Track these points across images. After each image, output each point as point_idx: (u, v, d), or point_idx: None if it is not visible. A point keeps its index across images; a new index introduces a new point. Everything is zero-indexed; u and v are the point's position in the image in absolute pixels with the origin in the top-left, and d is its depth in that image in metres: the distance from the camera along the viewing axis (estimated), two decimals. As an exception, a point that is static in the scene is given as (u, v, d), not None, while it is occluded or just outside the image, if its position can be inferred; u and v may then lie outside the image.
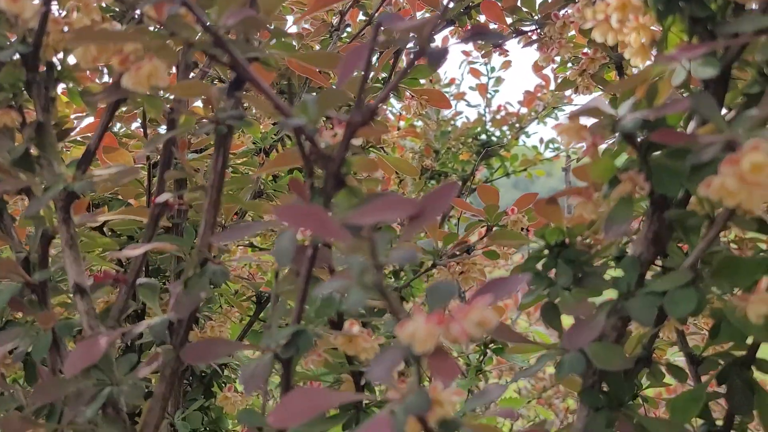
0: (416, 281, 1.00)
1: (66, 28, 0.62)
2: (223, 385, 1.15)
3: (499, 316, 1.28)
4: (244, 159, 1.25)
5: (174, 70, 0.74)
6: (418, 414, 0.38)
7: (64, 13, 0.64)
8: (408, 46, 0.48)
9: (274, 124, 1.36)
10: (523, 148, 2.80)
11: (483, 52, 1.38)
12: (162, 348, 0.63)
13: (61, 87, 0.67)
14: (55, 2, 0.62)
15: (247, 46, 0.60)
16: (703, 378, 0.66)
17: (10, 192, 0.69)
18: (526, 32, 1.16)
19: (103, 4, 0.76)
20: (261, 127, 1.38)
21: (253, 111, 1.25)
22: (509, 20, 1.16)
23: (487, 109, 2.71)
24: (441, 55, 0.45)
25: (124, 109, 0.99)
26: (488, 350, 1.37)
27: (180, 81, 0.72)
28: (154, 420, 0.63)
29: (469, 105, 2.86)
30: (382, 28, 0.46)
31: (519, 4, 1.14)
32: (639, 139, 0.52)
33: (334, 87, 0.50)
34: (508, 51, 1.37)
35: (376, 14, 1.30)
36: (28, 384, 0.76)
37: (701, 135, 0.47)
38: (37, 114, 0.63)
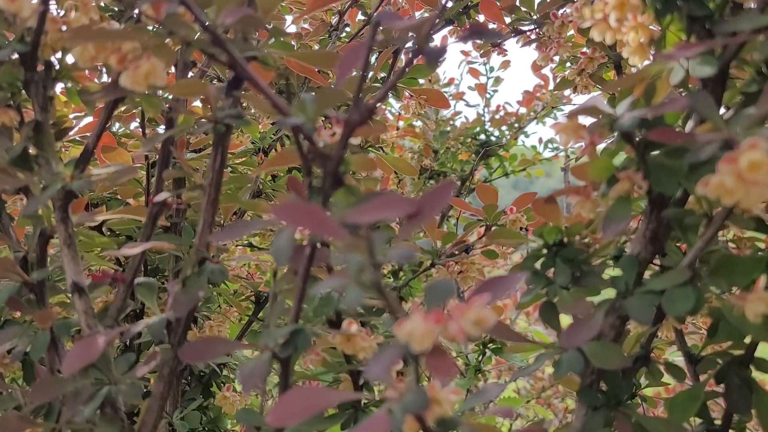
0: (415, 281, 1.00)
1: (64, 27, 0.62)
2: (222, 384, 1.15)
3: (498, 316, 1.28)
4: (243, 159, 1.25)
5: (173, 69, 0.74)
6: (416, 413, 0.38)
7: (62, 12, 0.64)
8: (407, 46, 0.48)
9: (272, 123, 1.36)
10: (522, 148, 2.80)
11: (482, 51, 1.38)
12: (160, 347, 0.63)
13: (59, 86, 0.67)
14: (54, 1, 0.61)
15: (246, 45, 0.60)
16: (702, 377, 0.66)
17: (9, 191, 0.69)
18: (525, 32, 1.16)
19: (102, 3, 0.76)
20: (260, 126, 1.38)
21: (252, 110, 1.25)
22: (508, 20, 1.16)
23: (486, 109, 2.72)
24: (439, 53, 0.45)
25: (122, 108, 0.99)
26: (487, 350, 1.37)
27: (178, 80, 0.71)
28: (152, 419, 0.63)
29: (468, 105, 2.87)
30: (381, 27, 0.46)
31: (517, 3, 1.14)
32: (637, 138, 0.52)
33: (332, 86, 0.50)
34: (507, 51, 1.37)
35: (375, 14, 1.30)
36: (26, 383, 0.76)
37: (699, 133, 0.47)
38: (36, 113, 0.63)
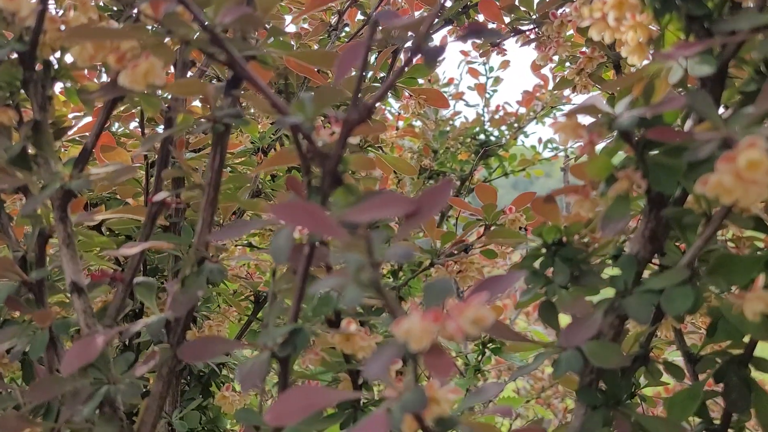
0: (414, 280, 1.00)
1: (63, 27, 0.62)
2: (221, 384, 1.15)
3: (498, 316, 1.28)
4: (242, 158, 1.25)
5: (172, 68, 0.74)
6: (414, 412, 0.38)
7: (60, 12, 0.64)
8: (406, 45, 0.48)
9: (272, 123, 1.36)
10: (521, 148, 2.81)
11: (481, 51, 1.38)
12: (159, 347, 0.63)
13: (58, 86, 0.67)
14: (52, 0, 0.61)
15: (245, 44, 0.60)
16: (701, 376, 0.66)
17: (7, 190, 0.69)
18: (524, 31, 1.16)
19: (101, 3, 0.76)
20: (259, 126, 1.38)
21: (251, 110, 1.25)
22: (507, 19, 1.16)
23: (485, 109, 2.72)
24: (438, 53, 0.45)
25: (121, 108, 0.99)
26: (486, 350, 1.37)
27: (177, 79, 0.71)
28: (151, 419, 0.63)
29: (467, 105, 2.88)
30: (379, 26, 0.46)
31: (517, 3, 1.14)
32: (636, 137, 0.52)
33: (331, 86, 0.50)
34: (506, 50, 1.37)
35: (374, 13, 1.30)
36: (25, 383, 0.76)
37: (698, 132, 0.47)
38: (34, 113, 0.63)
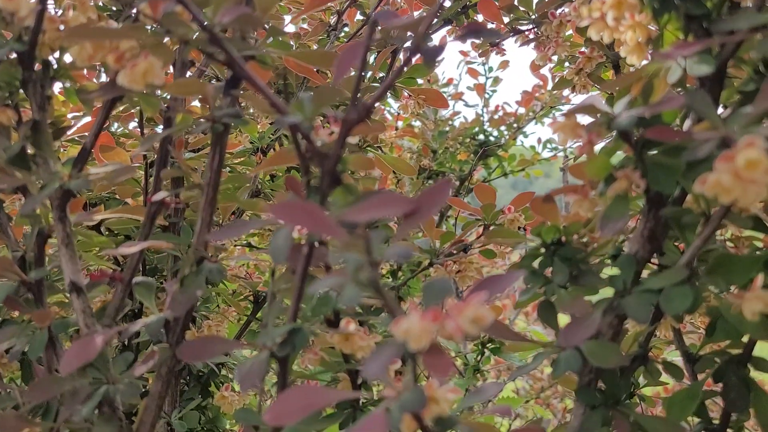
0: (413, 280, 1.00)
1: (62, 27, 0.62)
2: (221, 384, 1.15)
3: (497, 316, 1.28)
4: (242, 158, 1.25)
5: (171, 68, 0.74)
6: (413, 411, 0.38)
7: (60, 12, 0.64)
8: (405, 45, 0.48)
9: (271, 123, 1.36)
10: (520, 148, 2.81)
11: (480, 51, 1.38)
12: (158, 346, 0.63)
13: (57, 86, 0.67)
14: (51, 0, 0.61)
15: (244, 44, 0.60)
16: (700, 376, 0.66)
17: (6, 190, 0.69)
18: (523, 31, 1.16)
19: (100, 3, 0.76)
20: (258, 126, 1.38)
21: (251, 110, 1.25)
22: (506, 19, 1.16)
23: (484, 109, 2.72)
24: (437, 52, 0.45)
25: (120, 108, 0.99)
26: (486, 350, 1.37)
27: (176, 79, 0.71)
28: (150, 419, 0.63)
29: (466, 105, 2.88)
30: (378, 26, 0.46)
31: (516, 2, 1.14)
32: (635, 137, 0.52)
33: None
34: (505, 50, 1.37)
35: (373, 13, 1.30)
36: (24, 383, 0.76)
37: (697, 132, 0.47)
38: (33, 112, 0.63)
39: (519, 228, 0.99)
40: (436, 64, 0.47)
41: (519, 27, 1.15)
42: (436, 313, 0.38)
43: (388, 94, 1.48)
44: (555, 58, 1.13)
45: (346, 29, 1.44)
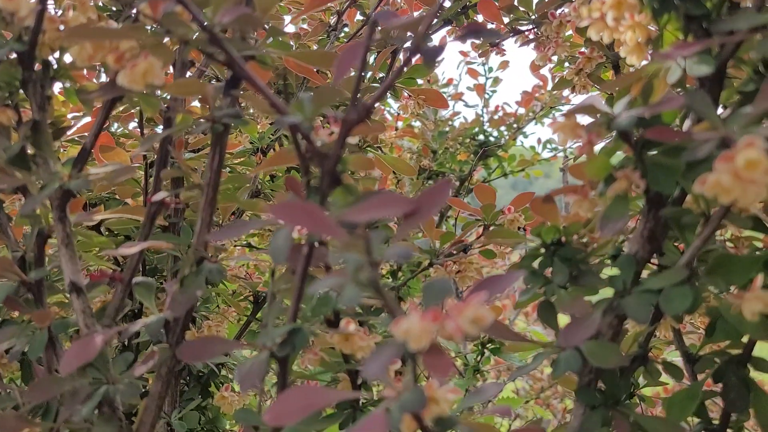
0: (413, 280, 1.00)
1: (62, 27, 0.62)
2: (220, 384, 1.15)
3: (497, 316, 1.28)
4: (242, 158, 1.25)
5: (171, 69, 0.74)
6: (413, 412, 0.38)
7: (60, 12, 0.64)
8: (405, 46, 0.48)
9: (271, 123, 1.36)
10: (520, 149, 2.81)
11: (480, 51, 1.38)
12: (158, 347, 0.63)
13: (57, 86, 0.67)
14: (51, 0, 0.62)
15: (244, 44, 0.60)
16: (700, 376, 0.66)
17: (6, 190, 0.69)
18: (523, 31, 1.16)
19: (100, 3, 0.76)
20: (258, 126, 1.38)
21: (251, 110, 1.25)
22: (506, 20, 1.16)
23: (484, 110, 2.72)
24: (436, 52, 0.45)
25: (120, 108, 0.99)
26: (486, 350, 1.37)
27: (176, 79, 0.71)
28: (150, 419, 0.63)
29: (466, 105, 2.88)
30: (378, 26, 0.46)
31: (516, 3, 1.14)
32: (635, 137, 0.52)
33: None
34: (505, 51, 1.37)
35: (373, 14, 1.30)
36: (24, 383, 0.76)
37: (696, 132, 0.47)
38: (33, 113, 0.63)
39: (519, 228, 0.99)
40: (436, 64, 0.47)
41: (519, 27, 1.15)
42: (436, 313, 0.38)
43: (388, 95, 1.48)
44: (555, 58, 1.13)
45: (346, 29, 1.44)
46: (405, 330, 0.38)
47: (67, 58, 0.64)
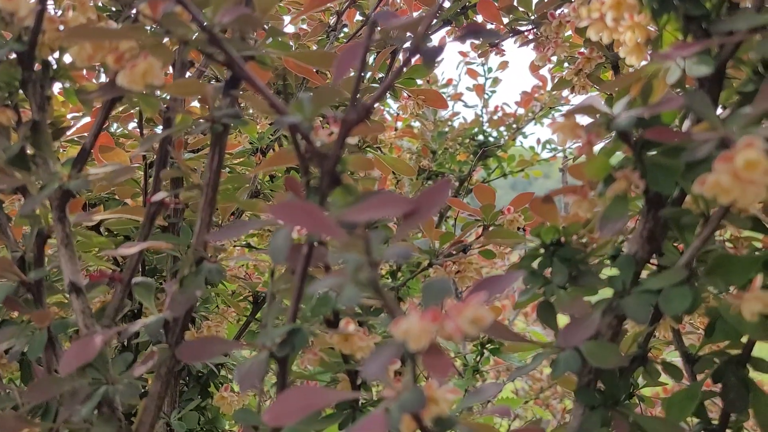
0: (413, 281, 1.00)
1: (62, 27, 0.62)
2: (220, 384, 1.15)
3: (496, 316, 1.28)
4: (241, 159, 1.25)
5: (170, 69, 0.74)
6: (413, 412, 0.38)
7: (59, 12, 0.64)
8: (404, 46, 0.48)
9: (270, 124, 1.36)
10: (520, 149, 2.81)
11: (480, 52, 1.38)
12: (158, 347, 0.63)
13: (57, 86, 0.67)
14: (51, 1, 0.61)
15: (243, 44, 0.60)
16: (699, 376, 0.66)
17: (6, 191, 0.69)
18: (523, 32, 1.16)
19: (99, 3, 0.76)
20: (258, 126, 1.38)
21: (250, 110, 1.25)
22: (506, 20, 1.16)
23: (484, 110, 2.72)
24: (436, 53, 0.45)
25: (120, 108, 0.99)
26: (485, 350, 1.37)
27: (176, 80, 0.72)
28: (149, 419, 0.63)
29: (466, 105, 2.87)
30: (378, 27, 0.46)
31: (515, 3, 1.15)
32: (634, 138, 0.52)
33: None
34: (504, 51, 1.37)
35: (373, 14, 1.30)
36: (24, 383, 0.76)
37: (696, 133, 0.47)
38: (33, 113, 0.63)
39: (518, 228, 0.99)
40: (436, 64, 0.47)
41: (518, 28, 1.16)
42: (436, 313, 0.38)
43: (388, 95, 1.48)
44: (554, 58, 1.13)
45: (346, 30, 1.44)
46: (404, 330, 0.38)
47: (67, 59, 0.64)
